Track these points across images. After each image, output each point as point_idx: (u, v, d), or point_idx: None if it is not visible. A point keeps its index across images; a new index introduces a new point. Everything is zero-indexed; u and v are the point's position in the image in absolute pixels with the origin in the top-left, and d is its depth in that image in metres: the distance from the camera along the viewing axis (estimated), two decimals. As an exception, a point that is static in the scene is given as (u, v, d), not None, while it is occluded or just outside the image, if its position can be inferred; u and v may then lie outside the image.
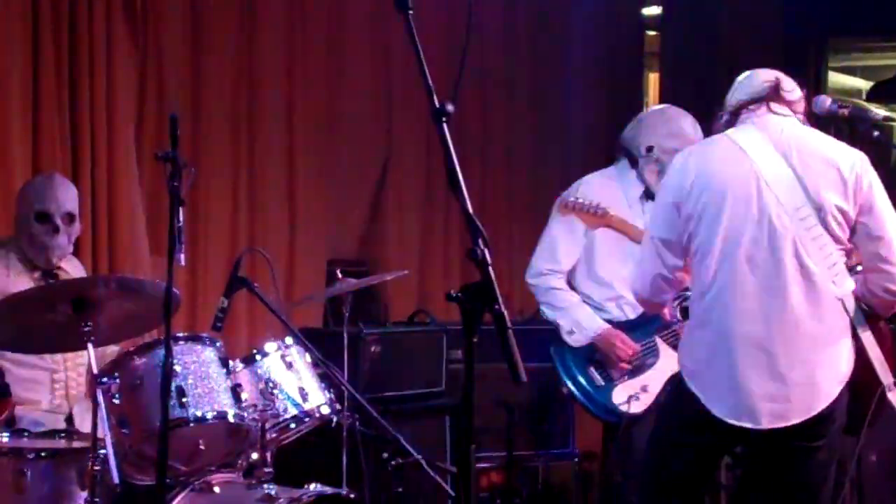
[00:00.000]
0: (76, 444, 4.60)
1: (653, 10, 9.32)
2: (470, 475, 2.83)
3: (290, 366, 4.92)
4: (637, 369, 5.40)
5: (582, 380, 5.51)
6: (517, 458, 6.56)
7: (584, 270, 5.63)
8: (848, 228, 4.31)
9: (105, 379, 4.39)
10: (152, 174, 6.37)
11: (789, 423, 4.25)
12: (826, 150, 4.40)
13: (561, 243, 5.61)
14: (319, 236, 7.27)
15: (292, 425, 4.91)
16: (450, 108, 2.81)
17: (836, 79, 10.37)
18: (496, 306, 2.74)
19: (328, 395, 5.00)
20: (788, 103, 4.53)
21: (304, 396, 4.89)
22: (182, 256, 3.94)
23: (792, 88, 4.57)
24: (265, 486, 4.66)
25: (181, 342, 4.61)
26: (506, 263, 7.45)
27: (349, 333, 5.68)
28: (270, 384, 4.83)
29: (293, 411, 4.86)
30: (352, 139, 7.44)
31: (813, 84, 9.21)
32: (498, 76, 8.27)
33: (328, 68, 7.34)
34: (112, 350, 4.98)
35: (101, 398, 4.29)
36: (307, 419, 4.93)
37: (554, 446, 6.92)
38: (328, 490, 4.77)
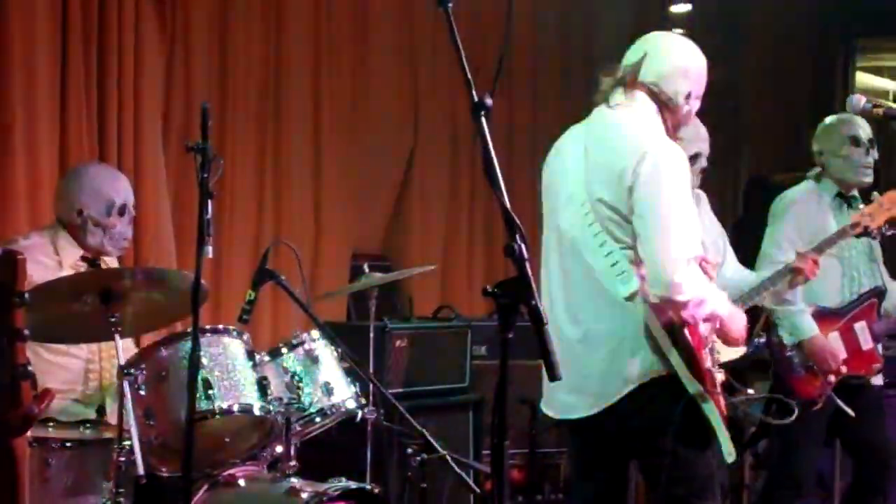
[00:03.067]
0: (102, 435, 4.59)
1: (681, 8, 9.29)
2: (503, 470, 2.82)
3: (315, 359, 4.90)
4: None
5: None
6: (539, 455, 6.54)
7: None
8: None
9: (131, 370, 4.38)
10: (177, 165, 6.37)
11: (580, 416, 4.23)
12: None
13: None
14: (344, 230, 7.26)
15: (317, 419, 4.89)
16: (489, 101, 2.78)
17: (863, 79, 10.33)
18: (532, 301, 2.72)
19: (353, 390, 4.99)
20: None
21: (330, 390, 4.88)
22: (210, 248, 3.92)
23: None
24: (289, 479, 4.65)
25: (208, 334, 4.59)
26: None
27: (375, 328, 5.66)
28: (296, 377, 4.82)
29: (318, 405, 4.85)
30: (377, 133, 7.43)
31: (840, 84, 9.20)
32: (523, 74, 8.25)
33: (354, 62, 7.33)
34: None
35: (127, 389, 4.29)
36: (332, 413, 4.91)
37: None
38: (352, 484, 4.75)
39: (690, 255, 4.01)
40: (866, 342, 5.71)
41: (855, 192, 5.82)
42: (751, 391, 4.80)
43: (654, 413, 4.11)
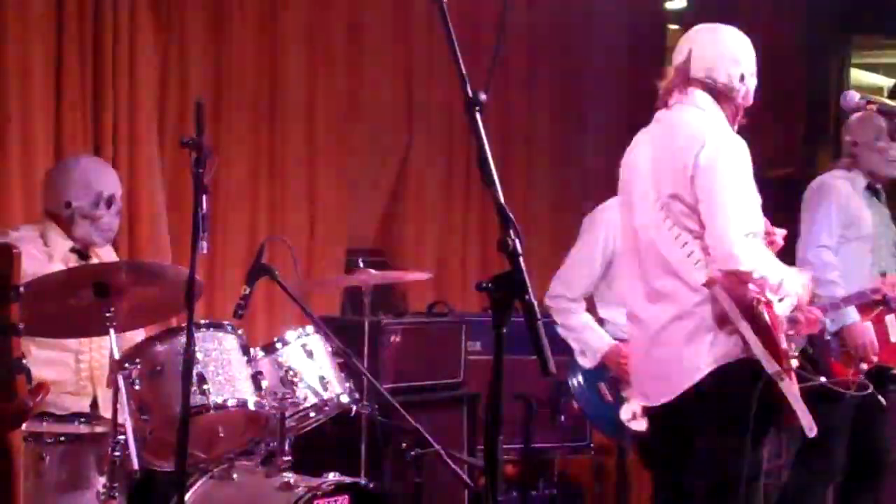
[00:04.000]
0: (96, 430, 4.59)
1: (675, 5, 9.29)
2: (497, 465, 2.82)
3: (310, 354, 4.92)
4: None
5: (591, 396, 5.55)
6: (533, 451, 6.55)
7: (606, 292, 5.64)
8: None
9: (126, 365, 4.38)
10: (173, 161, 6.37)
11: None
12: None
13: (577, 268, 5.64)
14: (338, 225, 7.26)
15: (312, 414, 4.92)
16: (483, 97, 2.79)
17: (857, 76, 10.33)
18: (526, 296, 2.73)
19: (348, 385, 5.00)
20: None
21: (325, 385, 4.89)
22: (205, 244, 3.92)
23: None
24: (284, 474, 4.67)
25: (203, 329, 4.59)
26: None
27: (369, 323, 5.67)
28: (291, 372, 4.83)
29: (313, 400, 4.87)
30: (372, 129, 7.44)
31: (836, 80, 9.20)
32: (519, 70, 8.25)
33: (349, 58, 7.33)
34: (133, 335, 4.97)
35: (121, 384, 4.29)
36: (327, 408, 4.93)
37: (570, 439, 6.90)
38: (347, 479, 4.76)
39: (748, 230, 4.19)
40: (895, 334, 5.78)
41: (879, 186, 5.88)
42: (822, 378, 5.00)
43: (731, 395, 4.25)
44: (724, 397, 4.28)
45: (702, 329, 4.29)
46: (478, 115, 2.79)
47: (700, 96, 4.42)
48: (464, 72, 2.83)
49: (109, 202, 5.12)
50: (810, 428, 4.21)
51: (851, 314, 5.69)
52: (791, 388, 4.19)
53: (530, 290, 2.72)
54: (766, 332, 4.19)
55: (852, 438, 5.86)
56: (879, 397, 5.49)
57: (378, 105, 7.48)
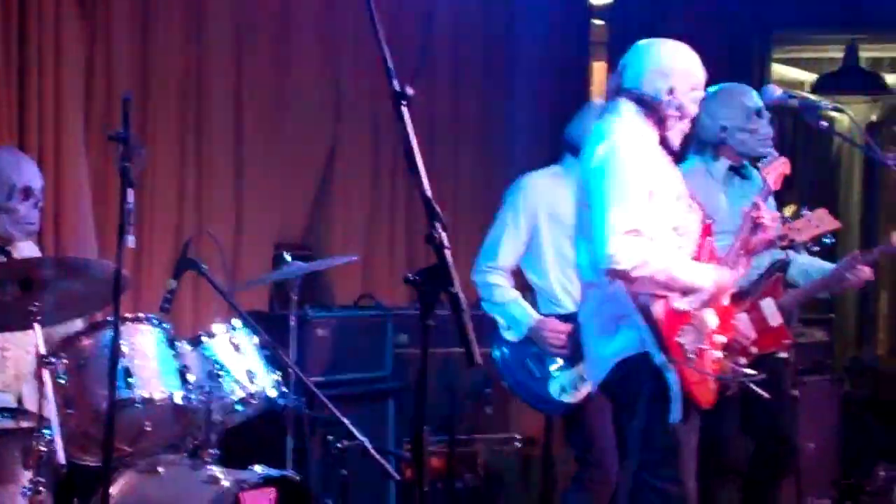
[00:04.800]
0: (21, 425, 4.56)
1: (602, 0, 9.34)
2: (423, 457, 2.85)
3: (237, 348, 4.93)
4: (575, 359, 5.36)
5: (518, 373, 5.55)
6: (459, 443, 6.59)
7: (535, 264, 5.65)
8: None
9: (52, 359, 4.36)
10: (98, 154, 6.33)
11: None
12: None
13: (504, 241, 5.62)
14: (265, 220, 7.24)
15: (238, 407, 4.91)
16: (410, 91, 2.81)
17: (779, 70, 10.45)
18: (452, 289, 2.76)
19: (275, 378, 5.01)
20: None
21: (251, 379, 4.90)
22: (131, 238, 3.92)
23: None
24: (210, 467, 4.67)
25: (129, 323, 4.59)
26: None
27: (297, 317, 5.68)
28: (217, 366, 4.84)
29: (240, 393, 4.88)
30: (299, 123, 7.41)
31: (757, 74, 9.29)
32: (444, 63, 8.26)
33: (276, 52, 7.31)
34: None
35: (47, 378, 4.26)
36: (253, 401, 4.93)
37: (495, 431, 6.94)
38: (274, 472, 4.77)
39: (626, 228, 4.29)
40: (774, 319, 5.58)
41: (745, 162, 5.70)
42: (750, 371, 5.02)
43: (631, 386, 4.47)
44: (623, 387, 4.52)
45: (611, 321, 4.49)
46: (405, 110, 2.81)
47: (624, 105, 4.58)
48: (390, 66, 2.85)
49: (26, 194, 5.07)
50: (674, 418, 4.41)
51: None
52: (677, 380, 4.38)
53: (457, 282, 2.75)
54: (654, 326, 4.38)
55: (756, 433, 5.80)
56: (761, 392, 5.16)
57: (304, 99, 7.45)
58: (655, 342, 4.37)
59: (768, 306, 5.58)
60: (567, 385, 5.40)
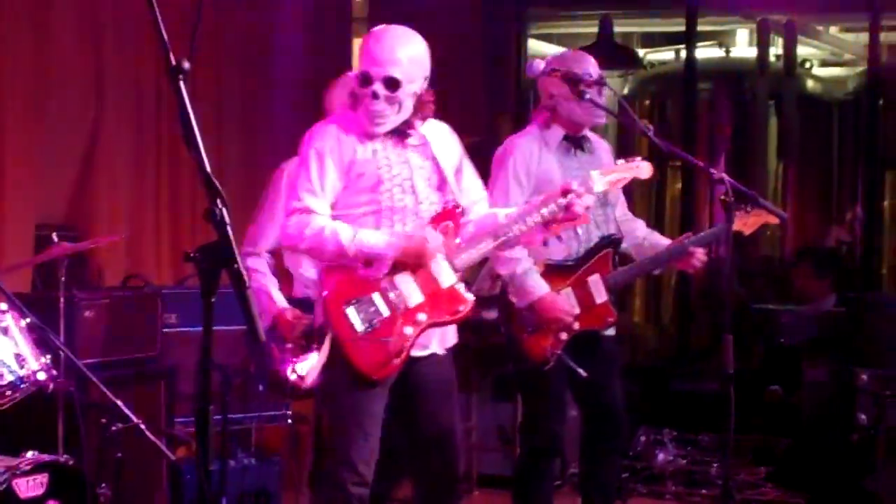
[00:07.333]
0: None
1: (360, -25, 9.40)
2: (207, 434, 2.87)
3: (4, 331, 4.83)
4: (309, 346, 5.23)
5: (262, 358, 5.61)
6: (231, 421, 6.57)
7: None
8: None
9: None
10: None
11: None
12: None
13: (263, 224, 5.66)
14: (27, 201, 7.07)
15: (8, 392, 4.82)
16: (186, 65, 2.81)
17: (534, 46, 10.68)
18: (234, 265, 2.78)
19: (44, 361, 4.93)
20: None
21: (21, 363, 4.81)
22: None
23: None
24: (-20, 454, 4.58)
25: None
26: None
27: (64, 298, 5.60)
28: (-16, 351, 4.73)
29: (9, 378, 4.79)
30: (61, 102, 7.26)
31: (515, 51, 9.49)
32: (207, 35, 8.17)
33: (36, 29, 7.13)
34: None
35: None
36: (23, 385, 4.84)
37: (267, 409, 6.96)
38: (45, 457, 4.72)
39: (294, 206, 4.59)
40: (600, 296, 5.51)
41: (585, 133, 5.64)
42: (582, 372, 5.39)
43: None
44: None
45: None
46: (182, 84, 2.81)
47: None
48: (166, 39, 2.84)
49: None
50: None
51: (538, 285, 5.40)
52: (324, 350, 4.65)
53: (239, 259, 2.77)
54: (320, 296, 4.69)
55: (584, 402, 5.73)
56: (578, 370, 5.38)
57: (67, 78, 7.30)
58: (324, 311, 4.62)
59: (595, 283, 5.52)
60: (303, 372, 5.32)
